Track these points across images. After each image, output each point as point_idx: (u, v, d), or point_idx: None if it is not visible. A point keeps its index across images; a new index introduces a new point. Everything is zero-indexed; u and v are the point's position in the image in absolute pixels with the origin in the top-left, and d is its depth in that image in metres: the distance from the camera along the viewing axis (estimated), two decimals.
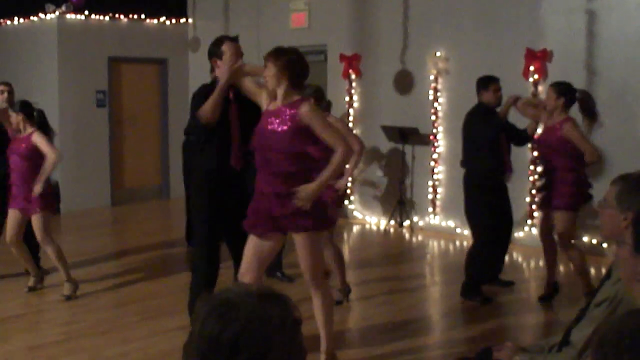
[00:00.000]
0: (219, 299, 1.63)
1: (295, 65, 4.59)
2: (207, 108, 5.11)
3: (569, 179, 6.28)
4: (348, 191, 10.33)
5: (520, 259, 8.29)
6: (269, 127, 4.60)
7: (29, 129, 6.57)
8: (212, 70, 5.38)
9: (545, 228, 6.62)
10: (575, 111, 6.43)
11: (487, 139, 6.61)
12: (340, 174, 5.64)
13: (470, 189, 6.74)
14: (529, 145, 7.87)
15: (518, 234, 8.61)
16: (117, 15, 11.54)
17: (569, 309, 6.19)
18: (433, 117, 9.61)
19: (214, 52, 5.28)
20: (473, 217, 6.77)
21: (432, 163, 9.68)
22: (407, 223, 9.92)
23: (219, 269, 5.52)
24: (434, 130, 9.61)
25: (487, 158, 6.61)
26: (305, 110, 4.54)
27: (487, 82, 6.74)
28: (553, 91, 6.38)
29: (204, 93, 5.27)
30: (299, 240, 4.68)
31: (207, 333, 1.57)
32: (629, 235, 2.33)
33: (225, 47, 5.24)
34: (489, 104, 6.71)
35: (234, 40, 5.36)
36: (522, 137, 6.91)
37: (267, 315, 1.59)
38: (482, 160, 6.62)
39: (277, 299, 1.65)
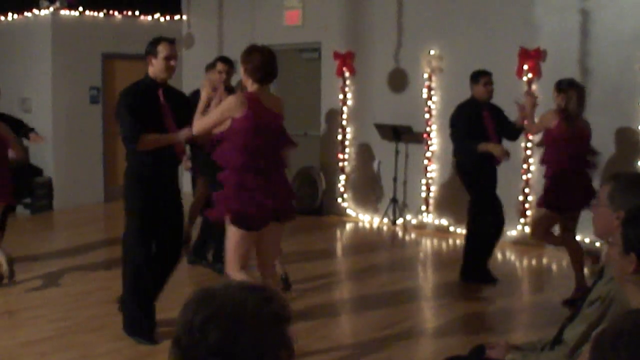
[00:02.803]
0: (202, 289, 1.66)
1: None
2: (149, 145, 5.24)
3: None
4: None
5: (513, 258, 8.30)
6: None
7: None
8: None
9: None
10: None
11: (460, 131, 6.77)
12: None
13: (463, 178, 7.11)
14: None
15: (510, 233, 8.63)
16: (111, 12, 11.51)
17: (561, 307, 6.22)
18: (427, 116, 9.61)
19: (150, 51, 5.38)
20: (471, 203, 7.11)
21: (426, 161, 9.68)
22: (400, 221, 9.93)
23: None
24: (428, 129, 9.62)
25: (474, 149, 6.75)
26: None
27: (477, 76, 6.90)
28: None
29: (135, 92, 5.41)
30: (280, 228, 5.04)
31: (183, 318, 1.61)
32: (619, 234, 2.33)
33: (161, 47, 5.34)
34: (479, 98, 6.82)
35: (171, 41, 5.45)
36: (513, 131, 7.01)
37: (241, 303, 1.59)
38: (469, 152, 6.78)
39: (259, 292, 1.64)
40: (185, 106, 5.48)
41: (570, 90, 6.32)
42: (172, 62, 5.36)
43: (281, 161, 5.04)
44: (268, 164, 4.86)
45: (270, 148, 4.86)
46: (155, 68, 5.35)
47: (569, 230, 6.49)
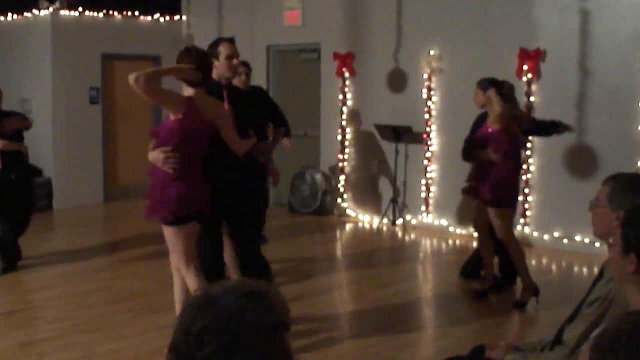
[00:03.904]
0: (202, 294, 1.63)
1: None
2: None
3: None
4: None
5: None
6: None
7: None
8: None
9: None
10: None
11: None
12: None
13: None
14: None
15: None
16: (111, 12, 11.51)
17: (561, 308, 6.21)
18: (427, 116, 9.61)
19: (211, 53, 5.29)
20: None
21: (426, 162, 9.68)
22: (400, 222, 9.93)
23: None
24: (428, 129, 9.62)
25: None
26: None
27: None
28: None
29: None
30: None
31: (180, 325, 1.59)
32: (618, 235, 2.33)
33: (222, 48, 5.29)
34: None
35: (231, 41, 5.40)
36: (546, 128, 6.78)
37: (240, 313, 1.56)
38: None
39: (261, 300, 1.61)
40: (254, 105, 5.39)
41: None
42: (235, 61, 5.34)
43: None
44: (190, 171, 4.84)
45: (194, 156, 4.82)
46: (218, 70, 5.24)
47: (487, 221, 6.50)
